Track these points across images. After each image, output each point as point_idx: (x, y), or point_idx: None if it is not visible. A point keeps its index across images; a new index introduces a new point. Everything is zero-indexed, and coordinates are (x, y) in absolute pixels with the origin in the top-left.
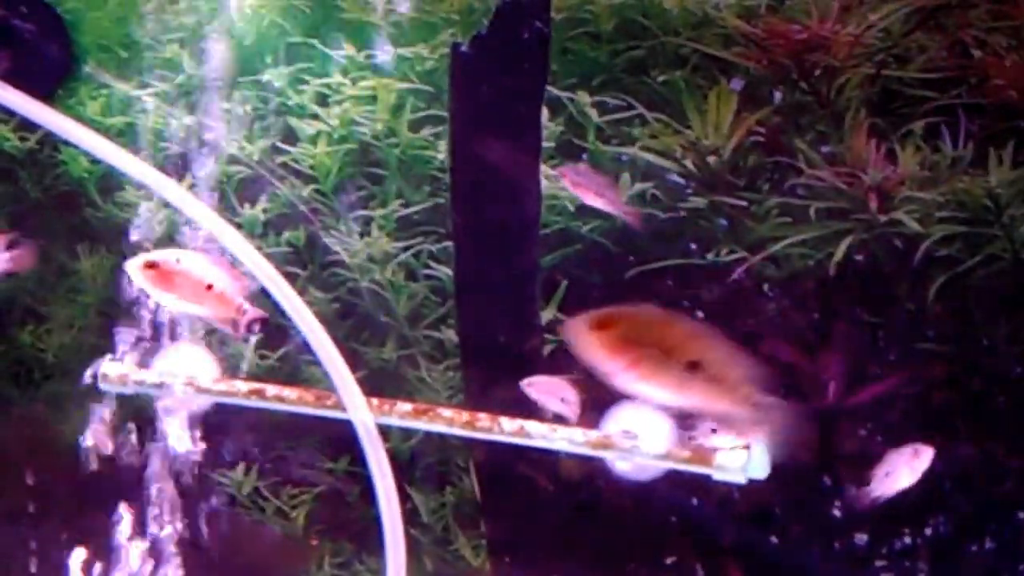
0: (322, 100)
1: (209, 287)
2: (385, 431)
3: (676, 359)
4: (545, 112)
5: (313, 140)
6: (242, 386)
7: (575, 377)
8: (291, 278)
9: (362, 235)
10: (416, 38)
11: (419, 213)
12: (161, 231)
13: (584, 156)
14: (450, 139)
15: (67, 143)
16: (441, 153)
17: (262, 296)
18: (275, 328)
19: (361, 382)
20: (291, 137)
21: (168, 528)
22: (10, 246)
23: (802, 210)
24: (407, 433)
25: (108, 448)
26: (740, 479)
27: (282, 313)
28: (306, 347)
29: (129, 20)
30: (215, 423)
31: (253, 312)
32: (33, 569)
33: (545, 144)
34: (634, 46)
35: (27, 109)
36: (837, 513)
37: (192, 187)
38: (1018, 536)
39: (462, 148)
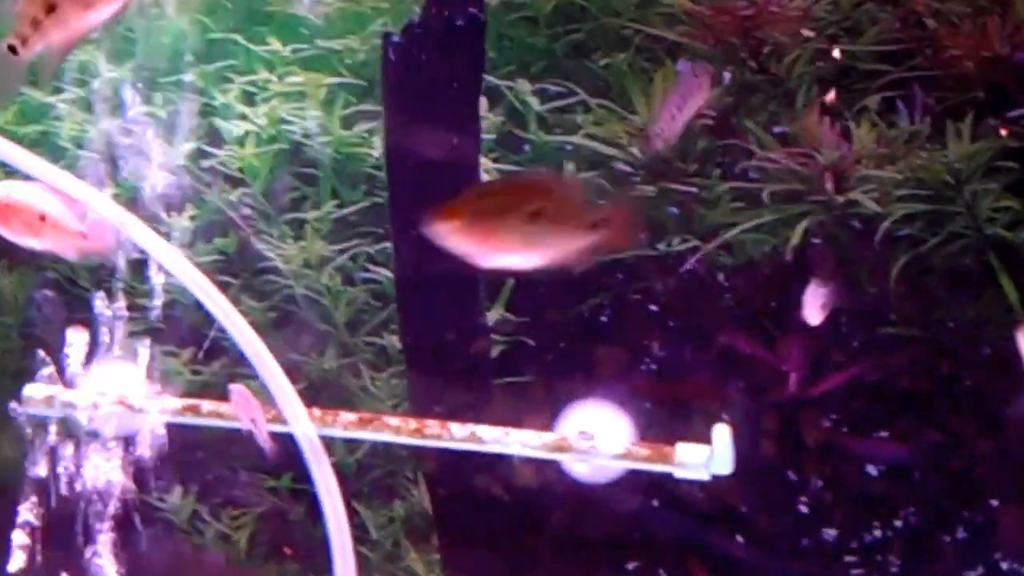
0: (248, 99)
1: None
2: (329, 444)
3: (517, 213)
4: (484, 102)
5: (240, 141)
6: (176, 403)
7: None
8: (223, 287)
9: (296, 239)
10: (345, 29)
11: (355, 214)
12: None
13: (525, 147)
14: (385, 134)
15: None
16: (376, 150)
17: (196, 308)
18: (209, 340)
19: (301, 394)
20: (217, 139)
21: (104, 559)
22: None
23: (755, 194)
24: (352, 445)
25: (36, 475)
26: (703, 476)
27: (216, 325)
28: (242, 359)
29: None
30: (149, 444)
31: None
32: None
33: (485, 136)
34: (574, 29)
35: None
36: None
37: (115, 196)
38: (990, 524)
39: (398, 144)
